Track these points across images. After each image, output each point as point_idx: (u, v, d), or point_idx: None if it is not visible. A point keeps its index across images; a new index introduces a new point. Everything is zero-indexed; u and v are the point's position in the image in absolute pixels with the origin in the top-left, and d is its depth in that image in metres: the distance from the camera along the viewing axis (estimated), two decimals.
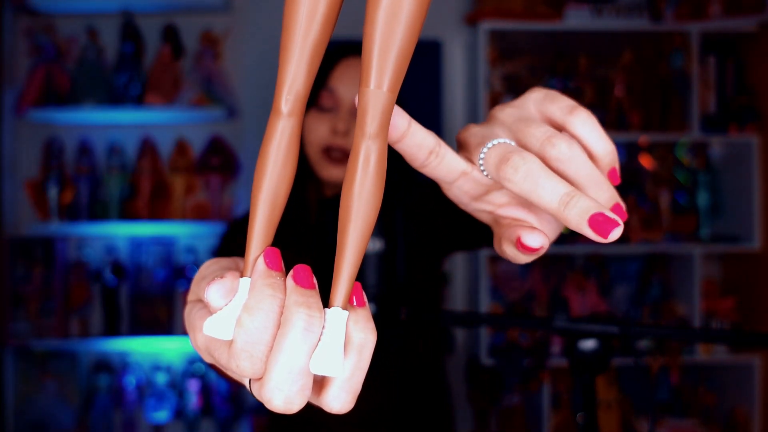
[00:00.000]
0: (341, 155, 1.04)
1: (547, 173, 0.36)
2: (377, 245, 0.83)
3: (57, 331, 2.22)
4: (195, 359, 2.29)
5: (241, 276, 0.32)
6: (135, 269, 2.31)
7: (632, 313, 2.39)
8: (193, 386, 2.23)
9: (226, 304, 0.32)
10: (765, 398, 2.24)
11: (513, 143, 0.39)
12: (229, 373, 0.33)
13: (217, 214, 2.29)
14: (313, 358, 0.30)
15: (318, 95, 1.08)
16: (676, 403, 2.37)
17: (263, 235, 0.32)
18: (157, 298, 2.29)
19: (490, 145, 0.39)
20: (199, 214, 2.31)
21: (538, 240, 0.39)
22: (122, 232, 2.30)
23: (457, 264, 2.43)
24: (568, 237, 2.33)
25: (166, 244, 2.33)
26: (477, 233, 1.07)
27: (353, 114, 1.05)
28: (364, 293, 0.32)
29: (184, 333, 2.28)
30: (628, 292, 2.42)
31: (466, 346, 2.36)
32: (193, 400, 2.23)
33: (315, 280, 0.31)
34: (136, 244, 2.33)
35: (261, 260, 0.32)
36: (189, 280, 2.27)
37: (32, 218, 2.28)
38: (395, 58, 0.30)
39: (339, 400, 0.31)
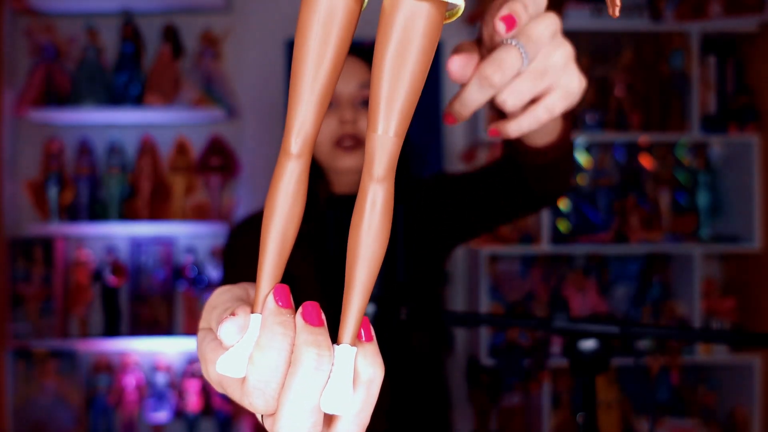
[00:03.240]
0: (353, 142, 1.05)
1: None
2: None
3: (57, 331, 2.22)
4: (195, 359, 2.29)
5: (252, 311, 0.33)
6: (135, 269, 2.31)
7: (632, 313, 2.39)
8: (193, 386, 2.23)
9: (238, 341, 0.33)
10: (765, 398, 2.24)
11: None
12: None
13: (217, 214, 2.29)
14: (323, 397, 0.31)
15: None
16: (676, 403, 2.37)
17: (273, 272, 0.33)
18: (157, 298, 2.29)
19: None
20: (199, 214, 2.31)
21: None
22: (122, 232, 2.30)
23: (457, 264, 2.43)
24: (568, 237, 2.33)
25: (166, 244, 2.32)
26: (484, 217, 1.09)
27: (355, 104, 1.07)
28: (371, 327, 0.33)
29: (184, 333, 2.28)
30: (628, 292, 2.42)
31: (466, 346, 2.36)
32: (193, 400, 2.23)
33: (323, 317, 0.32)
34: (136, 244, 2.32)
35: (271, 298, 0.33)
36: (189, 280, 2.27)
37: (32, 218, 2.28)
38: (402, 105, 0.31)
39: None
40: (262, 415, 0.33)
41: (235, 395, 0.33)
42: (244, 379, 0.32)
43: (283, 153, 0.33)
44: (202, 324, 0.39)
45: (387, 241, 0.32)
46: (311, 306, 0.32)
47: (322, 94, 0.32)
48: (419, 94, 0.31)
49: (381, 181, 0.32)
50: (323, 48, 0.32)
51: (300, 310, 0.32)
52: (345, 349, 0.32)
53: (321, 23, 0.31)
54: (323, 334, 0.31)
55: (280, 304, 0.32)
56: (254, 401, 0.31)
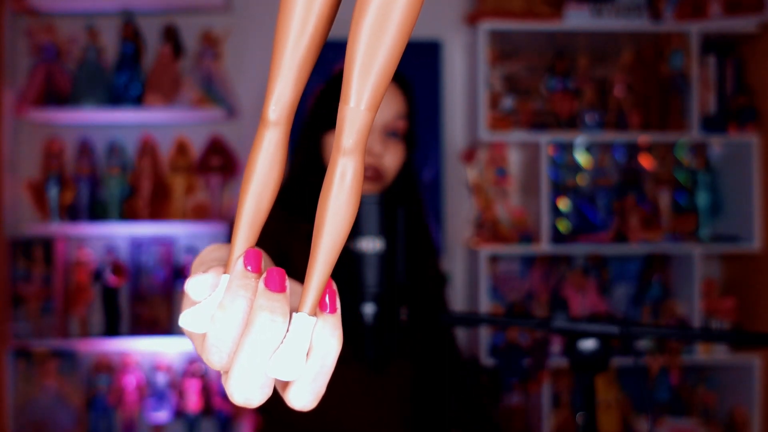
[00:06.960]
0: (374, 174, 1.07)
1: None
2: (377, 245, 0.83)
3: (57, 331, 2.22)
4: (195, 359, 2.29)
5: (225, 272, 0.34)
6: (135, 269, 2.31)
7: (632, 313, 2.39)
8: (193, 386, 2.23)
9: (206, 299, 0.34)
10: (765, 398, 2.24)
11: None
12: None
13: (217, 214, 2.29)
14: (272, 361, 0.32)
15: None
16: (675, 403, 2.37)
17: (247, 236, 0.34)
18: (157, 298, 2.29)
19: None
20: (199, 214, 2.31)
21: None
22: (122, 232, 2.30)
23: (457, 264, 2.43)
24: (567, 237, 2.33)
25: (166, 244, 2.33)
26: None
27: (385, 135, 1.08)
28: (337, 300, 0.33)
29: (184, 333, 2.28)
30: (628, 292, 2.42)
31: (466, 346, 2.36)
32: (194, 400, 2.23)
33: (287, 284, 0.33)
34: (137, 244, 2.33)
35: (240, 261, 0.33)
36: None
37: (32, 218, 2.29)
38: (375, 80, 0.31)
39: (300, 398, 0.33)
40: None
41: (198, 349, 0.34)
42: (205, 336, 0.33)
43: (262, 123, 0.33)
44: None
45: (354, 214, 0.32)
46: (275, 272, 0.33)
47: (302, 61, 0.32)
48: (395, 68, 0.31)
49: (350, 154, 0.32)
50: (307, 14, 0.31)
51: (264, 275, 0.33)
52: (302, 317, 0.32)
53: None
54: (280, 300, 0.32)
55: (248, 267, 0.33)
56: (211, 357, 0.33)
